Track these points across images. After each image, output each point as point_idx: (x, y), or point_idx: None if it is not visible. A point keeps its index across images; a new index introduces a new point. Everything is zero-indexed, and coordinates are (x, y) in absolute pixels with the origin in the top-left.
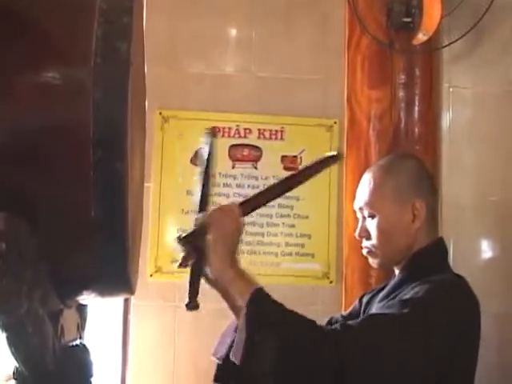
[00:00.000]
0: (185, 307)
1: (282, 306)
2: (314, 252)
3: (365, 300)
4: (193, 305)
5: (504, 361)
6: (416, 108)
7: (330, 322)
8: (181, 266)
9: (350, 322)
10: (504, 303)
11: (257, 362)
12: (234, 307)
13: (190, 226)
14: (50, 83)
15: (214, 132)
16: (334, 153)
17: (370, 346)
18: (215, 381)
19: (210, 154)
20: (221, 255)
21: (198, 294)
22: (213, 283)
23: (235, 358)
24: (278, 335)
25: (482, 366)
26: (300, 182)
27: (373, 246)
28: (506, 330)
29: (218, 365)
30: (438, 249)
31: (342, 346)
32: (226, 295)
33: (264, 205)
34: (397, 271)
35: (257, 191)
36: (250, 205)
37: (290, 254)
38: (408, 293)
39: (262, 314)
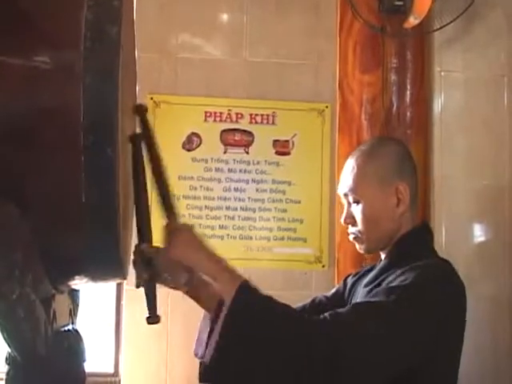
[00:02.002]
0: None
1: (267, 300)
2: (307, 236)
3: (349, 282)
4: (153, 319)
5: (496, 343)
6: (408, 92)
7: (313, 302)
8: (138, 286)
9: (338, 311)
10: (496, 286)
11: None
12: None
13: (180, 211)
14: (39, 67)
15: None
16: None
17: (361, 335)
18: (201, 381)
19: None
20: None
21: (156, 308)
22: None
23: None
24: (266, 329)
25: (474, 348)
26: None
27: (359, 231)
28: (497, 312)
29: (201, 363)
30: (423, 233)
31: (334, 336)
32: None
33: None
34: (383, 256)
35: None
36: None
37: (283, 239)
38: (394, 279)
39: (248, 309)
